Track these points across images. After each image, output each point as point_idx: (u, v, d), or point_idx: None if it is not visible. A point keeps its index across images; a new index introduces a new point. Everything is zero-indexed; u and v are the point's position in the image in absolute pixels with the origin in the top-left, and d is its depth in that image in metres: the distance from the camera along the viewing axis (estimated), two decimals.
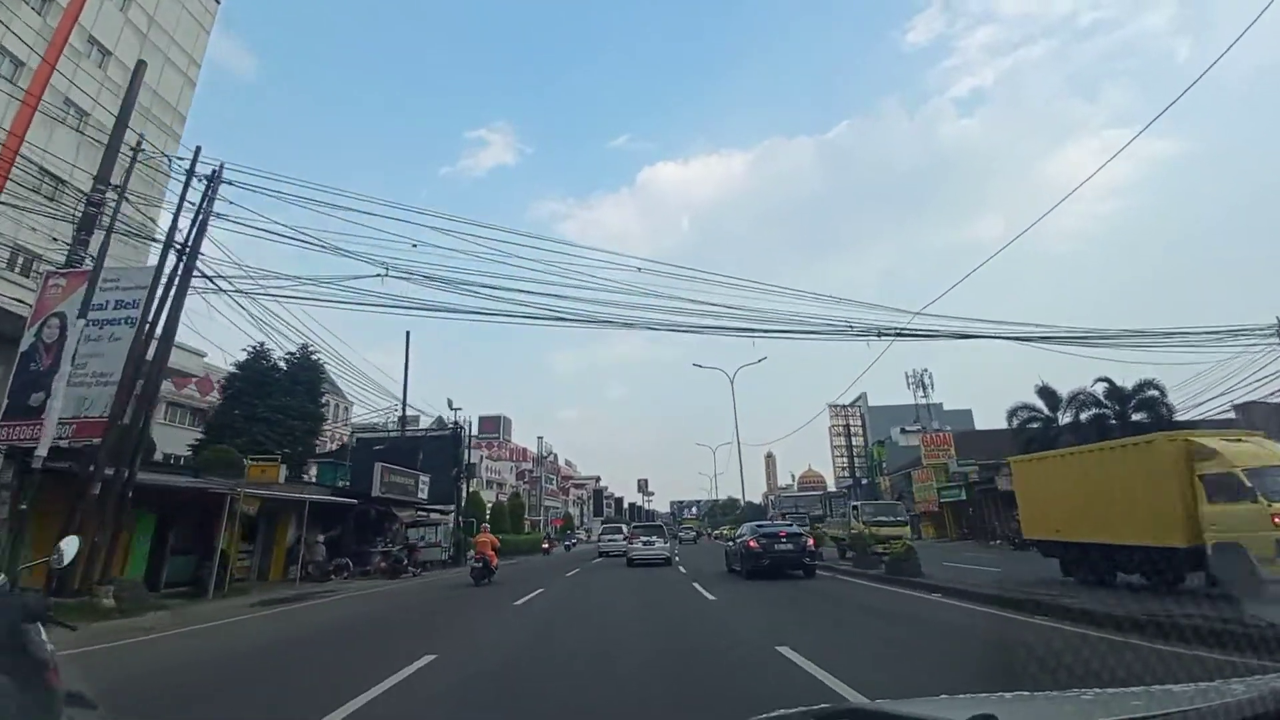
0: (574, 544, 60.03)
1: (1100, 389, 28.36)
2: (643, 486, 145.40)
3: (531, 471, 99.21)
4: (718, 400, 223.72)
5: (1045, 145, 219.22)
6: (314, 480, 21.97)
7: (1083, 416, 28.77)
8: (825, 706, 1.38)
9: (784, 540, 15.96)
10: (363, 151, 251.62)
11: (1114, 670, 5.28)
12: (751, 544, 15.96)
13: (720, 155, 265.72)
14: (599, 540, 36.96)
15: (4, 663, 1.88)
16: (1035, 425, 29.44)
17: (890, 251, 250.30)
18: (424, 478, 25.92)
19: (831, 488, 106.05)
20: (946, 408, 77.76)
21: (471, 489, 62.45)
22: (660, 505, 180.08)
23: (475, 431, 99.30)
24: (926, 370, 73.13)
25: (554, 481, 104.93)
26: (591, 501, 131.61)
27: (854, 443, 68.50)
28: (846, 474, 68.86)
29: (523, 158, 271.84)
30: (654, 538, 23.75)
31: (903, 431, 68.49)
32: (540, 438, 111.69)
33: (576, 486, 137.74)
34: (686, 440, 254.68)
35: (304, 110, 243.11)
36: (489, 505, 52.50)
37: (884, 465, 65.78)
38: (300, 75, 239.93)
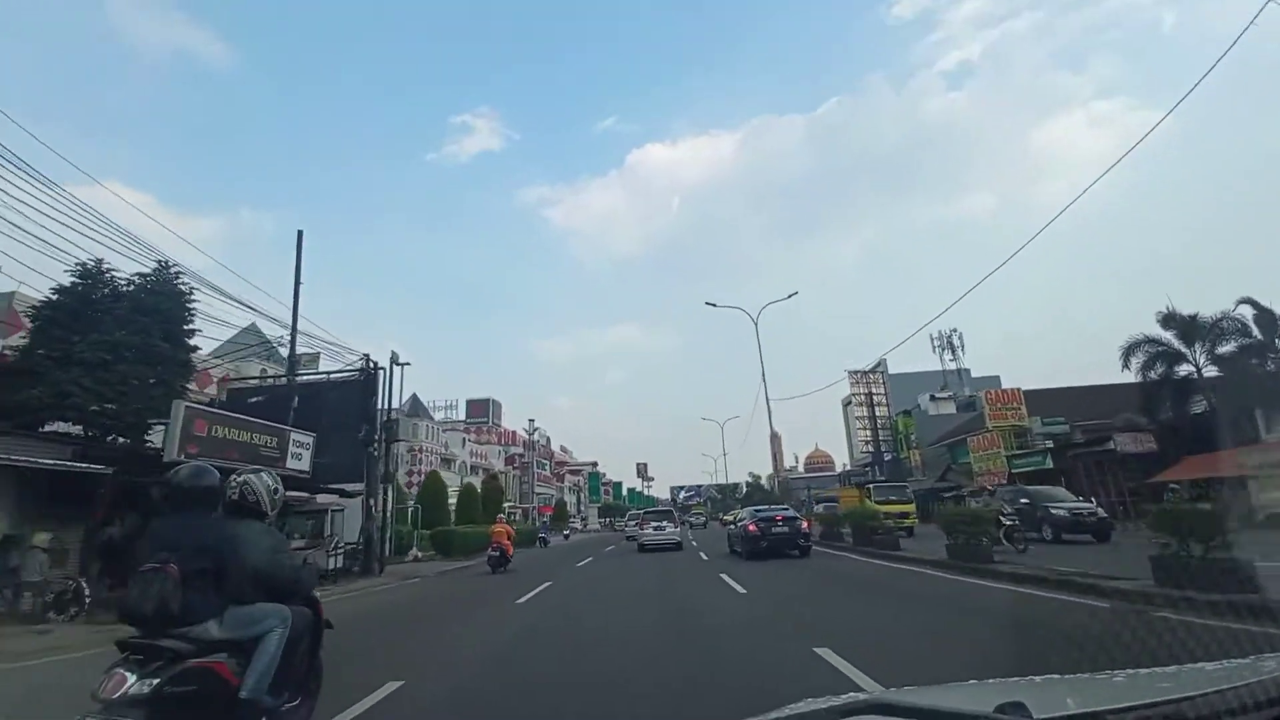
0: (569, 534, 53.01)
1: (1247, 313, 21.59)
2: (642, 471, 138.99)
3: (522, 456, 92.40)
4: (718, 384, 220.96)
5: (1033, 118, 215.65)
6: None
7: (1220, 350, 22.03)
8: (852, 697, 1.36)
9: (780, 524, 17.05)
10: (345, 139, 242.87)
11: None
12: (751, 527, 17.16)
13: (710, 135, 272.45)
14: (627, 526, 38.02)
15: None
16: (1159, 366, 22.66)
17: (878, 228, 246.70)
18: (300, 437, 16.64)
19: (844, 465, 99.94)
20: (974, 374, 71.16)
21: (428, 469, 55.58)
22: (660, 491, 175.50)
23: (463, 416, 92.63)
24: (955, 330, 66.54)
25: (547, 467, 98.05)
26: (587, 487, 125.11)
27: (877, 413, 61.84)
28: (869, 449, 62.24)
29: (509, 143, 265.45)
30: (665, 523, 25.31)
31: (932, 399, 61.85)
32: (531, 420, 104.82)
33: (572, 472, 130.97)
34: (684, 426, 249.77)
35: (282, 96, 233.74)
36: (454, 489, 45.37)
37: (912, 438, 59.21)
38: (278, 60, 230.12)
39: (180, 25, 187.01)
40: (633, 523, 32.76)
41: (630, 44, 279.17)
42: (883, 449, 60.20)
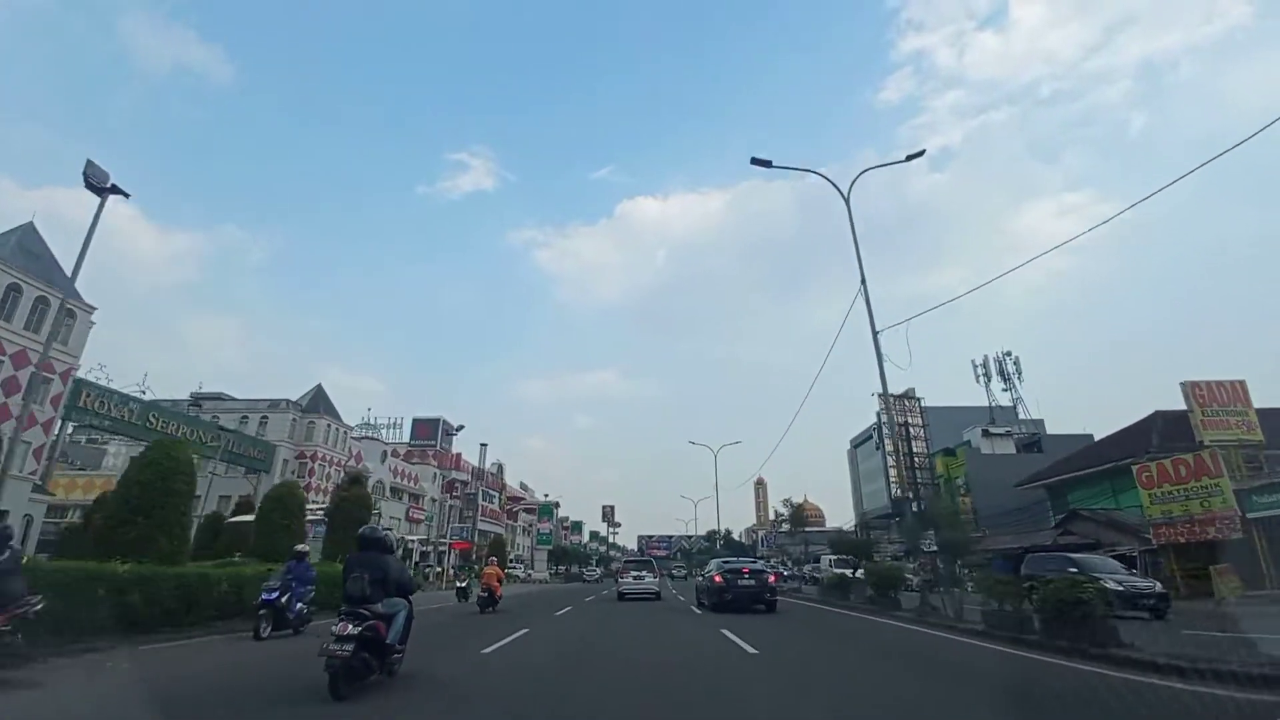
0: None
1: None
2: (608, 515, 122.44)
3: (465, 485, 76.71)
4: (694, 433, 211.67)
5: (1007, 203, 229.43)
6: None
7: None
8: None
9: (747, 576, 17.03)
10: (338, 164, 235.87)
11: None
12: (717, 579, 17.16)
13: (699, 193, 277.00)
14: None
15: None
16: None
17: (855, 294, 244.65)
18: None
19: (841, 520, 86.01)
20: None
21: (340, 485, 40.17)
22: (626, 539, 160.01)
23: (408, 437, 77.21)
24: (1010, 354, 53.97)
25: (496, 499, 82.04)
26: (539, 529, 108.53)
27: (914, 448, 48.43)
28: (898, 492, 48.54)
29: (504, 184, 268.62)
30: (644, 572, 25.18)
31: (985, 434, 48.74)
32: (484, 445, 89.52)
33: (528, 511, 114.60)
34: (656, 473, 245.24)
35: (278, 115, 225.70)
36: (317, 504, 30.52)
37: (958, 481, 45.77)
38: (276, 78, 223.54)
39: (186, 43, 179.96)
40: (594, 573, 37.97)
41: (631, 99, 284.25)
42: (912, 490, 46.59)
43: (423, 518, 62.25)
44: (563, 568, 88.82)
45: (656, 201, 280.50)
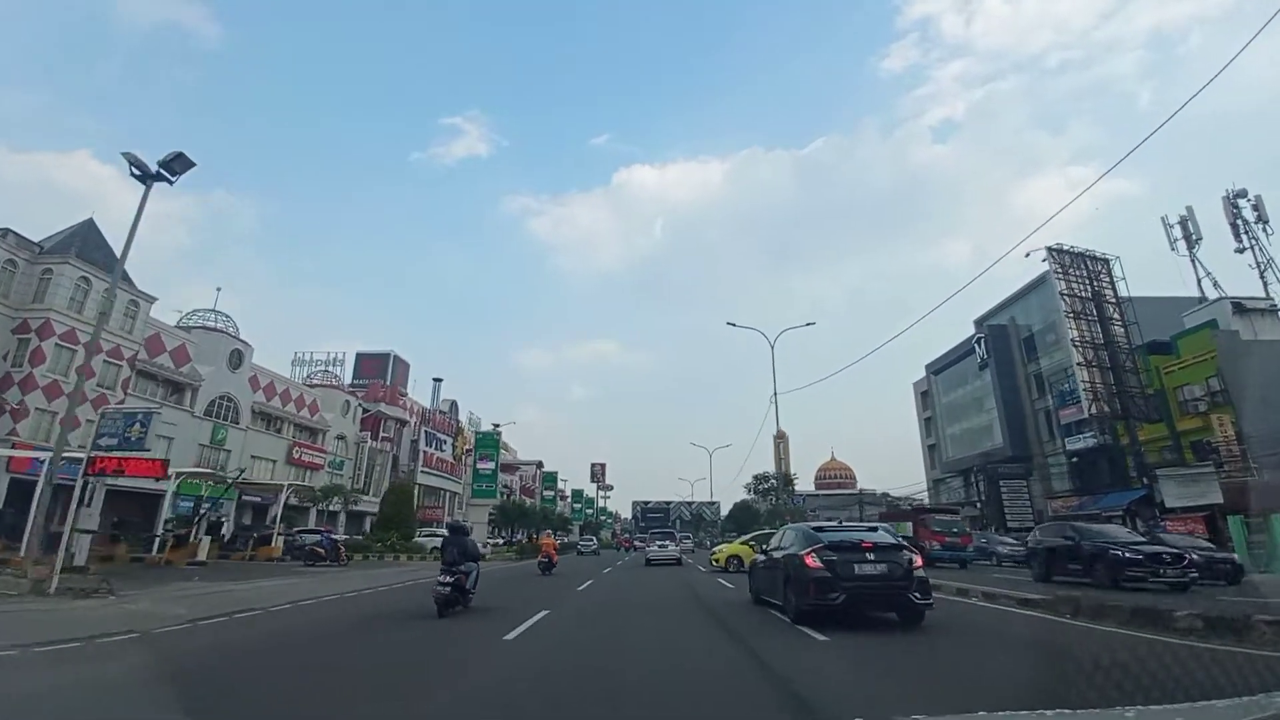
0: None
1: None
2: (597, 474, 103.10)
3: (404, 426, 56.82)
4: (698, 410, 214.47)
5: (1011, 175, 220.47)
6: None
7: None
8: None
9: (871, 556, 8.32)
10: (330, 129, 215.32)
11: None
12: (811, 561, 8.35)
13: (698, 161, 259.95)
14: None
15: None
16: None
17: (859, 269, 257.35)
18: None
19: (865, 485, 66.53)
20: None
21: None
22: (619, 504, 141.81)
23: (351, 376, 57.05)
24: (1247, 196, 33.45)
25: (447, 448, 62.11)
26: (540, 489, 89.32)
27: (1113, 334, 28.68)
28: (1093, 408, 28.83)
29: (498, 150, 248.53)
30: (667, 541, 29.85)
31: (1238, 311, 28.88)
32: (437, 380, 69.40)
33: (508, 469, 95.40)
34: (652, 441, 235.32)
35: (269, 78, 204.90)
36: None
37: (1211, 387, 26.36)
38: (268, 41, 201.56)
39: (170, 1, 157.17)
40: (591, 543, 47.60)
41: (628, 65, 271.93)
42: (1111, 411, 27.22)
43: (322, 462, 42.35)
44: (522, 535, 68.33)
45: (653, 169, 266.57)
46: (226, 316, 36.43)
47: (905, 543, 9.60)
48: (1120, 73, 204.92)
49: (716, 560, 23.30)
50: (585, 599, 12.88)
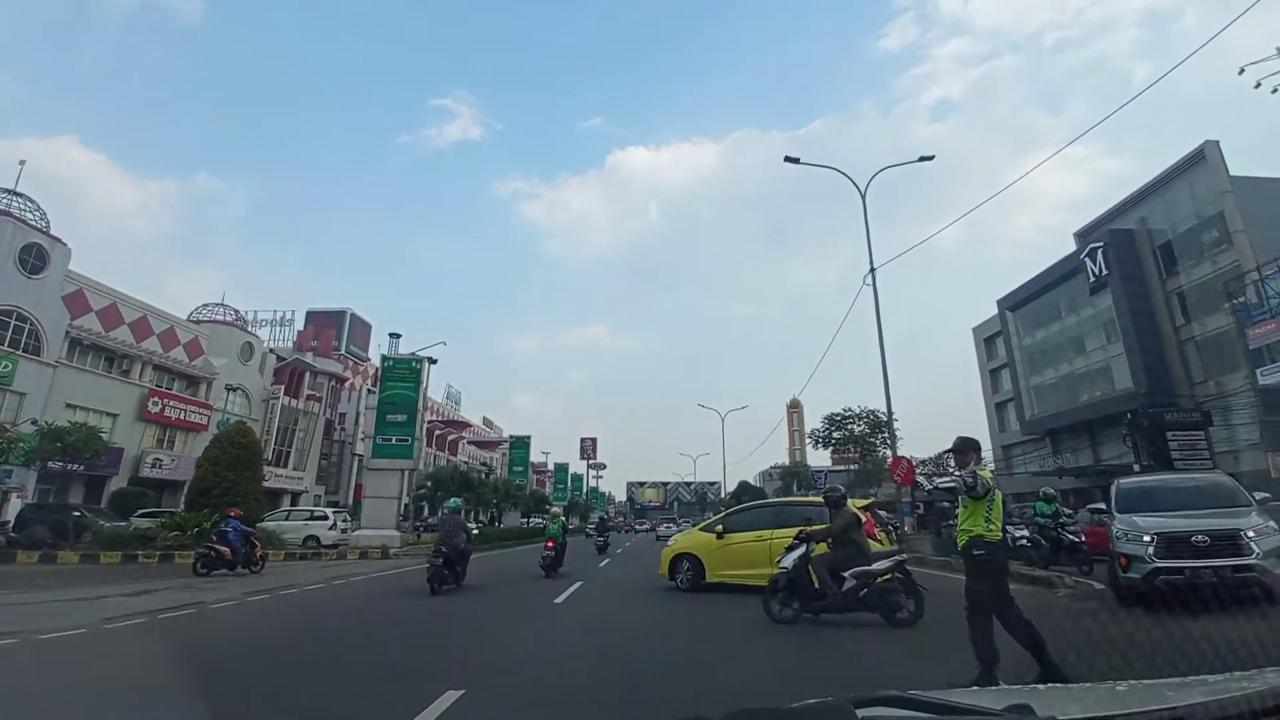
0: None
1: None
2: (587, 450, 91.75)
3: (340, 381, 45.13)
4: (689, 388, 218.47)
5: (1008, 155, 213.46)
6: None
7: None
8: (863, 695, 1.38)
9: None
10: (317, 111, 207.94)
11: None
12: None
13: (692, 143, 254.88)
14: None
15: None
16: None
17: (853, 250, 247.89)
18: None
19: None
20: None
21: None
22: (611, 484, 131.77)
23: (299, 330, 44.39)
24: None
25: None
26: (506, 462, 77.92)
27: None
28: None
29: (489, 132, 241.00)
30: (672, 524, 38.98)
31: None
32: (394, 335, 57.19)
33: (482, 445, 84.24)
34: (646, 421, 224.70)
35: (253, 58, 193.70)
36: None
37: None
38: (251, 20, 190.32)
39: None
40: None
41: (623, 46, 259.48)
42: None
43: (204, 420, 30.66)
44: (485, 517, 54.10)
45: (647, 151, 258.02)
46: (31, 201, 24.45)
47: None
48: (1116, 50, 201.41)
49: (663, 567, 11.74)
50: None
